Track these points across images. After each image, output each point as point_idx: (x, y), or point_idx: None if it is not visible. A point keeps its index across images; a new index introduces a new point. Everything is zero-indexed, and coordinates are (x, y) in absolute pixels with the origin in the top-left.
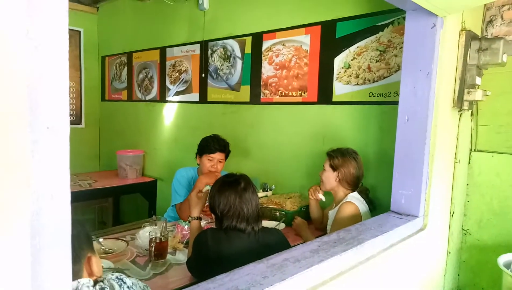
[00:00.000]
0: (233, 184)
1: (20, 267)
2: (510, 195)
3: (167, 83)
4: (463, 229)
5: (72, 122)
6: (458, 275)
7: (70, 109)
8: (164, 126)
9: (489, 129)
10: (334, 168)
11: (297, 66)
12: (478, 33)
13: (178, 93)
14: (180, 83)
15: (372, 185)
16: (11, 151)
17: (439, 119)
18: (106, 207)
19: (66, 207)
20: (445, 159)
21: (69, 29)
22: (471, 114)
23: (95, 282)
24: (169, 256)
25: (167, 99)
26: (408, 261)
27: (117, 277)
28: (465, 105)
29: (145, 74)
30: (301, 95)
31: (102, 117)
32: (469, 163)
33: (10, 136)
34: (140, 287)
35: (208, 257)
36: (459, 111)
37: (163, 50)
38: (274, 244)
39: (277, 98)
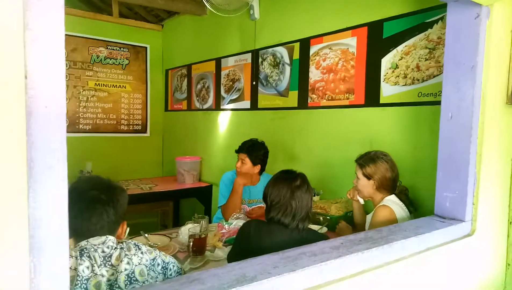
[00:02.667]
0: (289, 179)
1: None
2: None
3: (222, 92)
4: None
5: (138, 131)
6: None
7: (136, 119)
8: (219, 133)
9: None
10: (368, 177)
11: (343, 69)
12: None
13: (231, 101)
14: (233, 91)
15: (423, 190)
16: (8, 126)
17: (487, 116)
18: (167, 211)
19: (63, 180)
20: (497, 160)
21: (137, 46)
22: None
23: (118, 242)
24: (207, 253)
25: (222, 107)
26: (450, 267)
27: (135, 243)
28: None
29: (202, 84)
30: (348, 98)
31: (165, 126)
32: None
33: (7, 114)
34: (153, 254)
35: (249, 248)
36: None
37: (218, 61)
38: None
39: (324, 102)
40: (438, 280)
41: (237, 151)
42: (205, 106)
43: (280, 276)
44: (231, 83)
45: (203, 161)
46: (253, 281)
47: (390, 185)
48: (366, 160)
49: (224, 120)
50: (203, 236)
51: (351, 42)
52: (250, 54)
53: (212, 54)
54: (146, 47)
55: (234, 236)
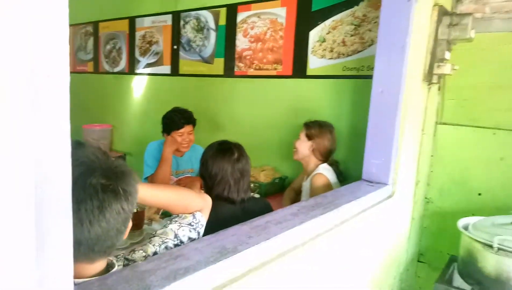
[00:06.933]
0: (226, 152)
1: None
2: (470, 166)
3: (137, 55)
4: (426, 198)
5: None
6: (420, 240)
7: None
8: (134, 99)
9: (454, 103)
10: (309, 137)
11: (272, 39)
12: (449, 9)
13: (148, 65)
14: (150, 54)
15: (344, 157)
16: (11, 98)
17: (408, 92)
18: None
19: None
20: (413, 131)
21: None
22: (439, 88)
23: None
24: (145, 227)
25: (137, 71)
26: (377, 225)
27: None
28: (434, 79)
29: (112, 45)
30: (275, 69)
31: None
32: (434, 135)
33: (10, 83)
34: None
35: None
36: (428, 84)
37: (132, 20)
38: (258, 212)
39: (251, 71)
40: (370, 237)
41: (184, 124)
42: (116, 69)
43: (257, 245)
44: (147, 45)
45: (114, 129)
46: (235, 252)
47: (326, 154)
48: (314, 123)
49: (139, 85)
50: (140, 209)
51: (280, 12)
52: (170, 15)
53: (124, 12)
54: None
55: None
